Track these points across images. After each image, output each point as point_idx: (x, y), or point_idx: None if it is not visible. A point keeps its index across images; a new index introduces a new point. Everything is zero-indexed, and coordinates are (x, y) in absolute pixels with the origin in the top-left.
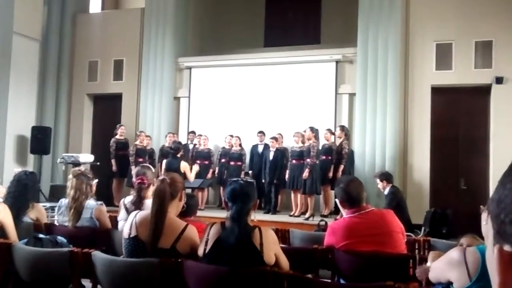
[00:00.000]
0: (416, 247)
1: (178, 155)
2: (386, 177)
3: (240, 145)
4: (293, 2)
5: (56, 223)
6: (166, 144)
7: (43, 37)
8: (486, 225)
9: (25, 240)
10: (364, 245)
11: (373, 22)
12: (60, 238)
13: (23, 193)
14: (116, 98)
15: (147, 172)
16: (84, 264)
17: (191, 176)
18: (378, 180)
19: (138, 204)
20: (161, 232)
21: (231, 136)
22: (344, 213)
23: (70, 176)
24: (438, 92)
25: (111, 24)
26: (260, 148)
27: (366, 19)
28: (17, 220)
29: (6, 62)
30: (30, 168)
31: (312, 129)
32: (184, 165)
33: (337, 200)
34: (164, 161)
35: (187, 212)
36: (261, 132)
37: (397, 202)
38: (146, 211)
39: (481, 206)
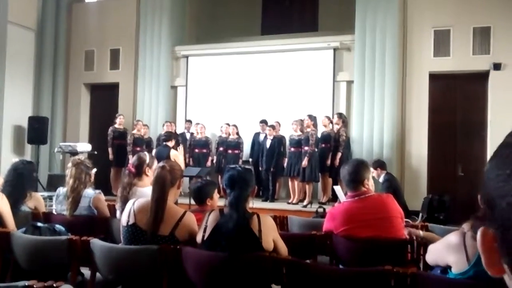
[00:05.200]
0: None
1: (169, 144)
2: (379, 164)
3: (237, 133)
4: None
5: (54, 212)
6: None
7: (39, 26)
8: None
9: (24, 229)
10: (363, 230)
11: (370, 9)
12: (58, 227)
13: (20, 182)
14: (113, 88)
15: (143, 158)
16: (83, 252)
17: (181, 162)
18: (372, 169)
19: (126, 190)
20: (162, 218)
21: (228, 124)
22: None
23: (70, 165)
24: (436, 78)
25: (107, 13)
26: (262, 136)
27: (364, 6)
28: (15, 209)
29: (2, 52)
30: (27, 158)
31: (310, 117)
32: (174, 154)
33: (335, 188)
34: (154, 150)
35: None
36: (263, 121)
37: (393, 188)
38: (145, 199)
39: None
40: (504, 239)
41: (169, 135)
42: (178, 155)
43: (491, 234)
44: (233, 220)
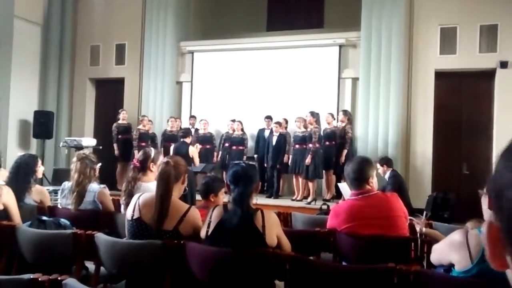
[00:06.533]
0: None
1: (187, 140)
2: (386, 161)
3: (242, 129)
4: None
5: (59, 206)
6: (168, 129)
7: (45, 21)
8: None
9: (29, 222)
10: (366, 228)
11: (377, 6)
12: (63, 221)
13: (16, 174)
14: (119, 83)
15: (148, 153)
16: (88, 245)
17: (197, 160)
18: (378, 165)
19: (130, 184)
20: (167, 213)
21: (233, 120)
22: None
23: (74, 159)
24: (441, 76)
25: (112, 8)
26: (267, 133)
27: (370, 3)
28: (19, 202)
29: (8, 47)
30: (33, 152)
31: (312, 114)
32: (192, 150)
33: (339, 185)
34: (172, 146)
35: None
36: (268, 117)
37: (399, 185)
38: (150, 193)
39: (479, 191)
40: (510, 229)
41: (187, 132)
42: (195, 152)
43: (496, 226)
44: (237, 216)
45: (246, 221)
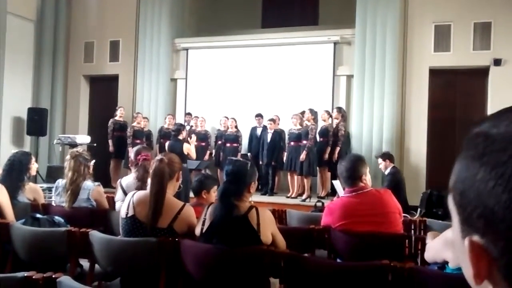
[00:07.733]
0: (412, 227)
1: (180, 137)
2: (388, 156)
3: (236, 126)
4: None
5: (53, 203)
6: (166, 126)
7: (38, 17)
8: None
9: (23, 220)
10: (360, 225)
11: (371, 3)
12: (57, 218)
13: (10, 171)
14: (113, 80)
15: (148, 152)
16: (82, 243)
17: (193, 154)
18: (380, 160)
19: (143, 178)
20: (161, 211)
21: (226, 118)
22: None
23: (68, 157)
24: (436, 74)
25: (107, 4)
26: (259, 131)
27: (365, 0)
28: (13, 200)
29: (1, 44)
30: (27, 149)
31: (311, 111)
32: (187, 147)
33: (334, 182)
34: (167, 144)
35: None
36: (258, 115)
37: (396, 182)
38: (144, 191)
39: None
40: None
41: (179, 129)
42: (190, 148)
43: (479, 244)
44: (221, 212)
45: (228, 218)
